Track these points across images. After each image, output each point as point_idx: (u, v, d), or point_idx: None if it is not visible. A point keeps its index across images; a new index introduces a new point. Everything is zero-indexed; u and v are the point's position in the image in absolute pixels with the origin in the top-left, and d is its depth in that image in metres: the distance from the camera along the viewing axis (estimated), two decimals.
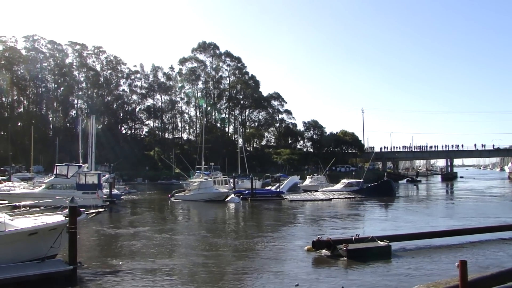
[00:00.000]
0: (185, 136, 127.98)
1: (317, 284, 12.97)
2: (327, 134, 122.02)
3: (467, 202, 45.07)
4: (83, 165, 41.26)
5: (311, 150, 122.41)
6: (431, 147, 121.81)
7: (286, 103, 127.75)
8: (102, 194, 37.63)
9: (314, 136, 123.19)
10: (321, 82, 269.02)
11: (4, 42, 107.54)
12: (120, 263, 15.79)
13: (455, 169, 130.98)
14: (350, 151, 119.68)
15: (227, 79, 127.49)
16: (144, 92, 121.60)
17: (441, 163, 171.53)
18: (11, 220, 14.43)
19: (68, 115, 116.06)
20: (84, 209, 16.15)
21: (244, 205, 42.28)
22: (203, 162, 56.97)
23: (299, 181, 65.70)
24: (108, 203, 36.80)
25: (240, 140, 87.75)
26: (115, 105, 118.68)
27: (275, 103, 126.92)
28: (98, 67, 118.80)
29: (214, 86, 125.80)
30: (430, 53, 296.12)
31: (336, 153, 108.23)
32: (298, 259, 16.62)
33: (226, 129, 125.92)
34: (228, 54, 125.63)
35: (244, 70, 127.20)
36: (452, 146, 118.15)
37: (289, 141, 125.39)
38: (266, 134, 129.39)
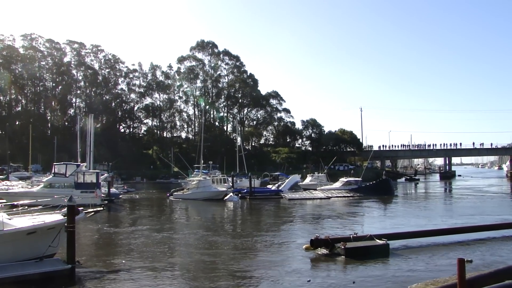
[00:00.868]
0: (183, 135, 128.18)
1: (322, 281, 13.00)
2: (325, 132, 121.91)
3: (466, 200, 45.15)
4: (81, 164, 41.28)
5: (310, 148, 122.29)
6: (429, 145, 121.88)
7: (284, 101, 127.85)
8: (100, 193, 37.58)
9: (312, 134, 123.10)
10: (319, 80, 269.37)
11: (2, 40, 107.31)
12: (119, 262, 15.80)
13: (453, 168, 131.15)
14: (348, 149, 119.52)
15: (226, 77, 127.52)
16: (142, 90, 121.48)
17: (439, 161, 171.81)
18: (10, 219, 14.43)
19: (67, 114, 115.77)
20: (82, 208, 16.13)
21: (243, 203, 42.27)
22: (202, 161, 57.01)
23: (300, 180, 65.80)
24: (106, 202, 36.87)
25: (239, 139, 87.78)
26: (113, 103, 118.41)
27: (273, 101, 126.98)
28: (96, 66, 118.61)
29: (213, 84, 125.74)
30: (429, 52, 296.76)
31: (335, 151, 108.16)
32: (296, 257, 16.64)
33: (225, 127, 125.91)
34: (226, 52, 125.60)
35: (242, 69, 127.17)
36: (451, 145, 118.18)
37: (288, 140, 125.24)
38: (264, 132, 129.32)
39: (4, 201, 30.12)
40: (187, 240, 21.11)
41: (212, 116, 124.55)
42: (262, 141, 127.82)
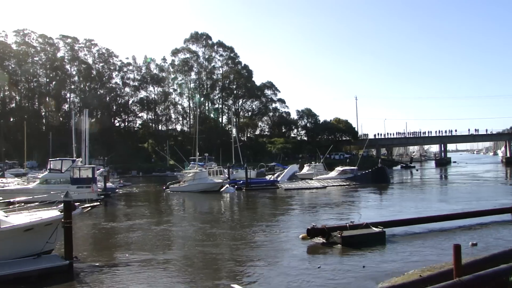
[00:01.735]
0: (178, 127, 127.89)
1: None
2: (320, 122, 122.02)
3: (462, 186, 45.40)
4: (77, 159, 41.13)
5: (305, 138, 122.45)
6: (424, 132, 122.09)
7: (279, 92, 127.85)
8: (96, 187, 37.52)
9: (307, 124, 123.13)
10: (314, 70, 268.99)
11: None
12: (117, 256, 15.82)
13: (448, 154, 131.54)
14: (344, 138, 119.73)
15: (220, 69, 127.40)
16: (136, 84, 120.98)
17: (434, 148, 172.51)
18: (6, 216, 14.41)
19: (61, 109, 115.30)
20: (79, 203, 16.11)
21: (239, 195, 42.37)
22: (197, 153, 56.93)
23: (297, 169, 66.06)
24: (103, 196, 36.82)
25: (234, 130, 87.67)
26: (108, 98, 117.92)
27: (268, 92, 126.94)
28: (90, 60, 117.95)
29: (207, 76, 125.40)
30: (423, 39, 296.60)
31: (330, 140, 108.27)
32: (293, 247, 16.73)
33: (220, 119, 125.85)
34: (220, 44, 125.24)
35: (236, 60, 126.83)
36: (446, 132, 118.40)
37: (283, 130, 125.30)
38: (259, 123, 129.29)
39: (1, 198, 30.00)
40: (184, 233, 21.17)
41: (207, 108, 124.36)
42: (257, 132, 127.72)
